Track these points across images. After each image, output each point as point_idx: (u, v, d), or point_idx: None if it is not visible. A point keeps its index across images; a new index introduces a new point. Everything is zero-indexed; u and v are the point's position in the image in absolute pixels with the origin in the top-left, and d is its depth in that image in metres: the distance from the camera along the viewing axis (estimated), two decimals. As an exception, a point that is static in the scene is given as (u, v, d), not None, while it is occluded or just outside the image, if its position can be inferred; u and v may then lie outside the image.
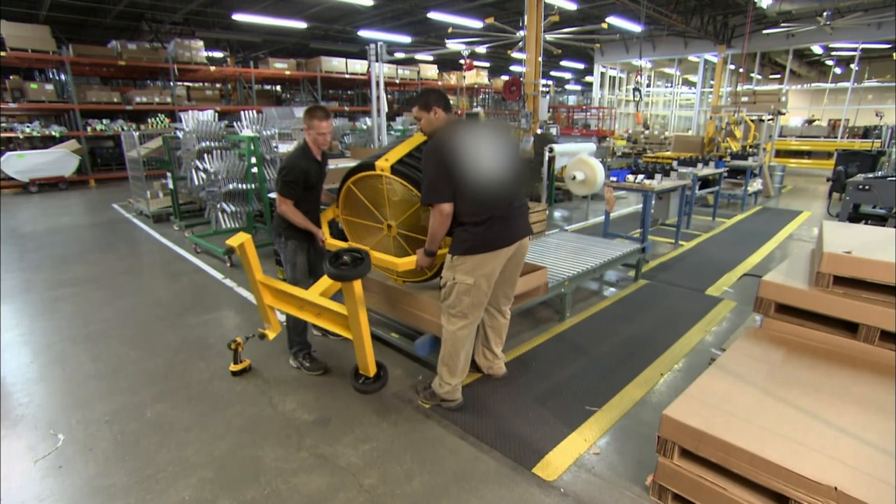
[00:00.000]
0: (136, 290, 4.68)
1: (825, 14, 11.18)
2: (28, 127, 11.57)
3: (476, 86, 20.73)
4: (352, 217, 3.21)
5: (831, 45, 16.38)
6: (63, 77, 12.38)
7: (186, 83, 16.20)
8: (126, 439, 2.51)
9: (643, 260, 4.91)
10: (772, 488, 1.66)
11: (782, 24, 14.07)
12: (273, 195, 3.58)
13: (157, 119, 13.02)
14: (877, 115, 14.29)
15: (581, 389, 2.93)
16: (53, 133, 11.74)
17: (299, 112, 8.53)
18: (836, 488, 1.53)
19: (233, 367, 3.11)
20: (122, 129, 11.83)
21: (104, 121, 12.44)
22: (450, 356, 2.65)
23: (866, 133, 16.32)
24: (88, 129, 12.15)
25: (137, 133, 7.77)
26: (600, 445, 2.45)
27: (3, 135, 11.30)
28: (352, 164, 3.16)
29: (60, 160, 10.96)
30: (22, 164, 10.37)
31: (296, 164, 2.93)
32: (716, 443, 1.77)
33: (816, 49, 17.51)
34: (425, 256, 2.66)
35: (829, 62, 20.40)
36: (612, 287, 4.69)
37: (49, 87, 11.87)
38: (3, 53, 10.52)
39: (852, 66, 16.40)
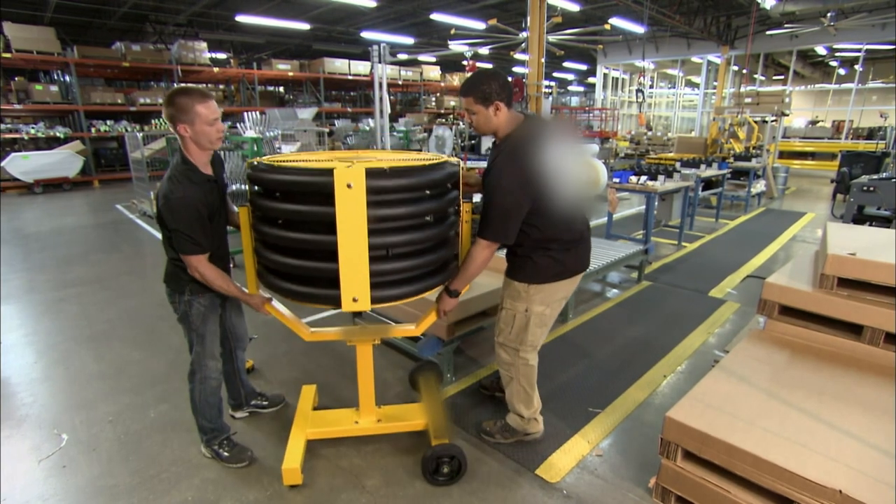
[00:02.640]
0: (140, 291, 4.70)
1: (829, 15, 11.16)
2: (33, 128, 11.65)
3: (479, 87, 20.71)
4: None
5: (835, 46, 16.33)
6: (67, 78, 12.45)
7: (190, 84, 16.26)
8: (129, 439, 2.52)
9: (646, 261, 4.90)
10: (775, 491, 1.65)
11: (786, 25, 14.04)
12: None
13: (161, 120, 13.07)
14: (881, 116, 14.23)
15: (584, 391, 2.92)
16: (58, 134, 11.81)
17: (302, 113, 8.52)
18: (840, 491, 1.52)
19: (235, 368, 3.11)
20: (126, 130, 11.91)
21: (108, 122, 12.51)
22: (525, 391, 2.31)
23: (871, 134, 16.27)
24: (92, 130, 12.21)
25: (141, 134, 7.82)
26: (603, 447, 2.44)
27: (8, 136, 11.37)
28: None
29: (64, 161, 11.02)
30: (27, 164, 10.43)
31: (184, 196, 1.91)
32: (719, 445, 1.76)
33: (820, 50, 17.46)
34: (450, 300, 2.14)
35: (833, 63, 20.33)
36: (615, 289, 4.68)
37: (54, 88, 11.93)
38: (8, 55, 10.59)
39: (856, 66, 16.35)
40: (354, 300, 1.76)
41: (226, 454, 2.33)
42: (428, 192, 1.85)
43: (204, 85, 16.95)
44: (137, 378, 3.12)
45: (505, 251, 2.27)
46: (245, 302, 2.13)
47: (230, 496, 2.14)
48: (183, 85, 2.05)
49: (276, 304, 2.24)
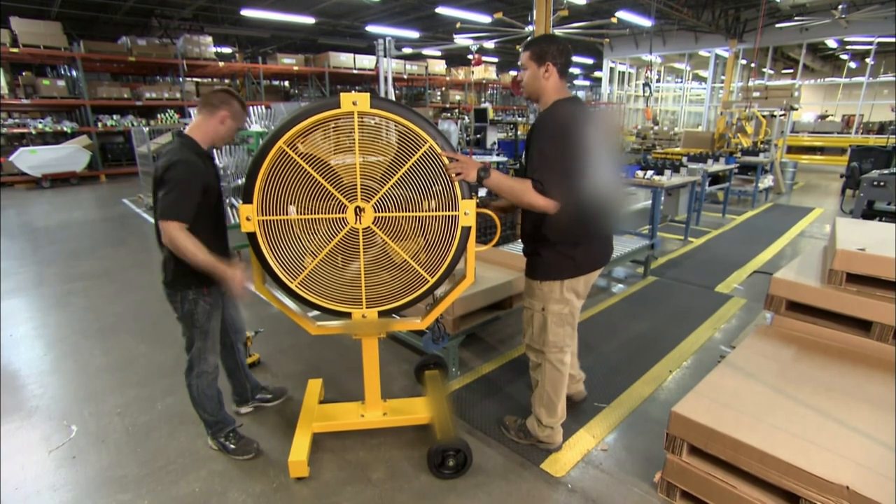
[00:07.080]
0: (146, 285, 4.73)
1: (840, 7, 11.00)
2: (40, 123, 11.71)
3: (484, 81, 20.65)
4: (276, 216, 1.94)
5: (846, 39, 16.10)
6: (74, 73, 12.50)
7: (195, 79, 16.27)
8: (137, 431, 2.55)
9: (652, 256, 4.88)
10: (782, 487, 1.65)
11: (796, 18, 13.85)
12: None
13: (167, 115, 13.12)
14: (892, 110, 14.04)
15: (589, 386, 2.91)
16: (65, 129, 11.88)
17: (307, 108, 8.51)
18: (847, 487, 1.52)
19: (242, 361, 3.13)
20: (133, 125, 11.94)
21: (115, 116, 12.57)
22: (549, 396, 2.26)
23: (881, 129, 16.07)
24: (99, 124, 12.28)
25: (147, 129, 7.86)
26: (608, 442, 2.44)
27: (16, 130, 11.45)
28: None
29: (72, 156, 11.09)
30: (34, 159, 10.50)
31: (191, 160, 1.96)
32: (725, 440, 1.76)
33: (831, 43, 17.22)
34: (472, 170, 1.89)
35: (844, 56, 20.07)
36: (621, 284, 4.67)
37: (61, 83, 11.99)
38: (15, 50, 10.65)
39: (867, 60, 16.14)
40: (353, 102, 1.83)
41: (232, 446, 2.36)
42: None
43: (209, 79, 16.99)
44: (145, 371, 3.15)
45: (521, 248, 2.29)
46: (221, 274, 1.95)
47: (237, 488, 2.16)
48: (228, 88, 2.19)
49: (283, 298, 2.25)
